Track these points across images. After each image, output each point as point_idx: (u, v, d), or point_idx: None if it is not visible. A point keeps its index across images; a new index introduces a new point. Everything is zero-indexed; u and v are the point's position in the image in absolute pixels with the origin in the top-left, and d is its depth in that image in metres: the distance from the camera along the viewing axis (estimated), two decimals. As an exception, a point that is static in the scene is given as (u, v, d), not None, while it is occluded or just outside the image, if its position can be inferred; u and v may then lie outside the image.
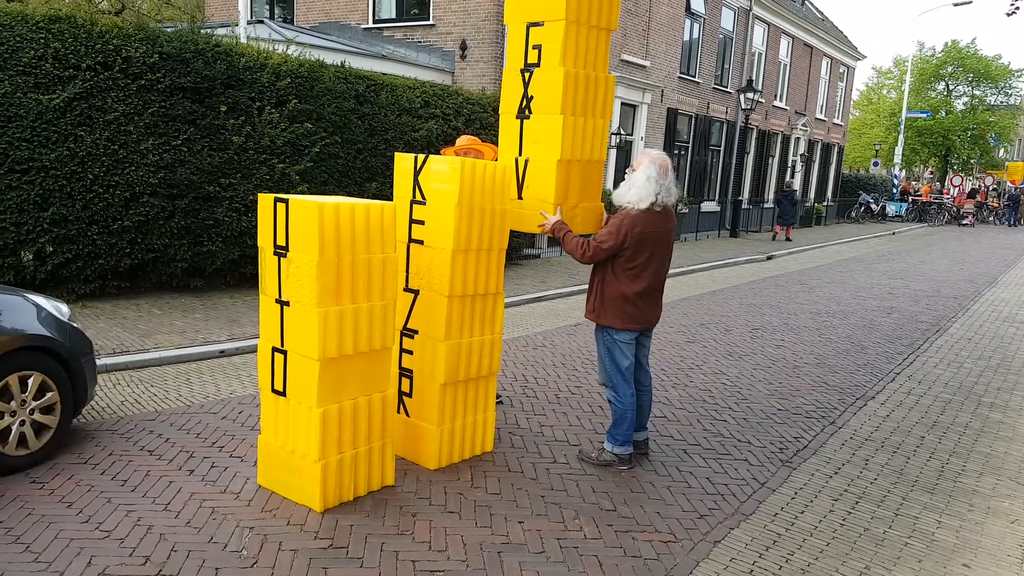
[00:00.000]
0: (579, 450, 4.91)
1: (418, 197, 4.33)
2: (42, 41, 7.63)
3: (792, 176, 28.03)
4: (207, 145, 8.67)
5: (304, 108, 9.42)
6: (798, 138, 28.29)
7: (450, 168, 4.17)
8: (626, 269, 4.44)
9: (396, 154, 4.52)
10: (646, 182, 4.34)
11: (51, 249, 7.78)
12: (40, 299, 4.57)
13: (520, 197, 4.66)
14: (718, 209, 23.16)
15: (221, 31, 10.13)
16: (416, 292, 4.40)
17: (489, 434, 4.82)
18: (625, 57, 17.56)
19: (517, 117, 4.65)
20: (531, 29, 4.52)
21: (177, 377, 6.16)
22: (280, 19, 17.08)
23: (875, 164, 41.87)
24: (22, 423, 4.22)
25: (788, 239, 22.02)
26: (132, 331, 7.08)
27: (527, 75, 4.56)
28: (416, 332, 4.44)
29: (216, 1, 18.91)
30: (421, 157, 4.32)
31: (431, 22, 14.64)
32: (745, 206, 24.19)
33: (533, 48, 4.52)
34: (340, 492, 3.97)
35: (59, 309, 4.63)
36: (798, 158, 28.39)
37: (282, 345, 3.92)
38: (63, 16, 7.91)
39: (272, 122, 9.11)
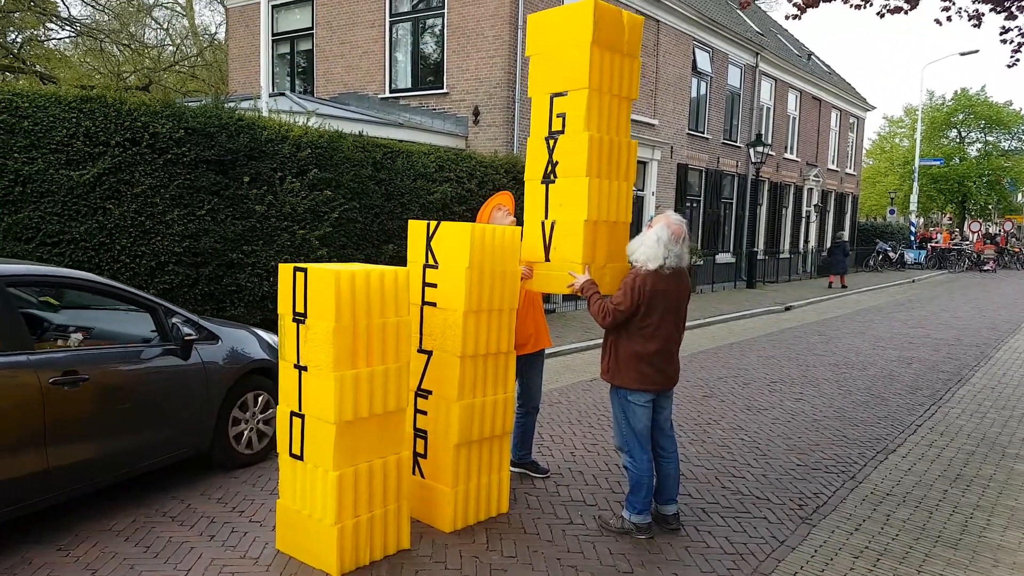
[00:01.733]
0: (598, 515, 4.85)
1: (431, 261, 4.47)
2: (74, 120, 7.97)
3: (808, 226, 28.20)
4: (230, 214, 8.94)
5: (324, 176, 9.71)
6: (811, 189, 28.47)
7: (460, 233, 4.31)
8: (639, 328, 4.44)
9: (410, 221, 4.67)
10: (655, 243, 4.38)
11: (78, 318, 7.99)
12: (262, 332, 5.97)
13: (548, 259, 4.76)
14: (733, 260, 23.25)
15: (245, 104, 10.54)
16: (430, 353, 4.50)
17: (504, 495, 4.84)
18: (633, 116, 17.91)
19: (542, 182, 4.77)
20: (555, 99, 4.69)
21: (199, 443, 6.24)
22: (301, 91, 17.66)
23: (891, 212, 41.88)
24: (251, 430, 5.64)
25: (844, 286, 23.36)
26: (155, 398, 7.20)
27: (552, 142, 4.70)
28: (430, 392, 4.52)
29: (239, 75, 19.60)
30: (433, 224, 4.47)
31: (445, 90, 15.09)
32: (760, 257, 24.26)
33: (557, 116, 4.67)
34: (356, 556, 4.01)
35: (274, 340, 5.84)
36: (812, 208, 28.53)
37: (300, 409, 4.02)
38: (94, 96, 8.27)
39: (293, 191, 9.39)
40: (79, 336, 4.82)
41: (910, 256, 34.81)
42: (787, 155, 26.51)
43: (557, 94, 4.66)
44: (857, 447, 6.57)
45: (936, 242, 38.56)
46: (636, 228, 17.60)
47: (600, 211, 4.59)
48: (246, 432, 5.61)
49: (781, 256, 26.18)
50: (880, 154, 55.34)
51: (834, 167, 30.73)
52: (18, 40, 28.04)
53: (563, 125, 4.62)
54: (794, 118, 27.02)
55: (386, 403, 4.03)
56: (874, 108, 33.87)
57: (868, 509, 5.14)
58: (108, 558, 4.12)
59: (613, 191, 4.67)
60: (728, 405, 7.98)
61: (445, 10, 15.10)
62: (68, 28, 27.93)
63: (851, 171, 32.92)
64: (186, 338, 5.00)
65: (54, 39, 29.67)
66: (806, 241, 28.57)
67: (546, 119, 4.72)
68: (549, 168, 4.70)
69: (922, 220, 48.81)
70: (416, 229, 4.57)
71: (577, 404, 7.76)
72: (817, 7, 8.97)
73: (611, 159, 4.66)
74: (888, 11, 8.92)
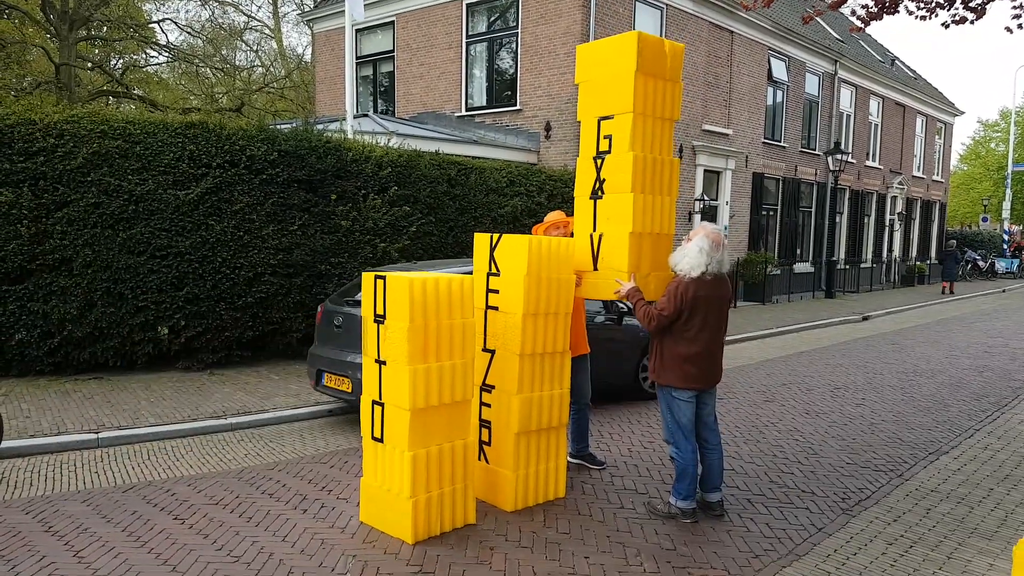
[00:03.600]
0: (647, 501, 5.26)
1: (493, 270, 5.02)
2: (180, 144, 8.91)
3: (891, 235, 27.60)
4: (319, 229, 9.76)
5: (403, 193, 10.45)
6: (895, 197, 27.83)
7: (519, 244, 4.85)
8: (683, 331, 4.83)
9: (476, 234, 5.24)
10: (698, 253, 4.77)
11: (184, 324, 8.90)
12: None
13: (596, 268, 5.23)
14: (812, 270, 23.01)
15: (332, 126, 11.40)
16: (493, 352, 5.04)
17: (561, 481, 5.33)
18: (707, 127, 18.13)
19: (591, 198, 5.25)
20: (602, 122, 5.16)
21: (292, 433, 6.97)
22: (383, 110, 18.62)
23: (984, 220, 40.23)
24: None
25: (952, 292, 24.77)
26: (253, 394, 8.01)
27: (599, 161, 5.18)
28: (493, 387, 5.06)
29: (325, 96, 20.76)
30: (496, 236, 5.03)
31: (518, 107, 15.73)
32: (841, 266, 23.91)
33: (604, 138, 5.14)
34: (429, 527, 4.57)
35: None
36: (895, 217, 27.87)
37: (380, 398, 4.62)
38: (197, 122, 9.22)
39: (375, 207, 10.15)
40: None
41: (1001, 265, 33.43)
42: (869, 162, 26.04)
43: (604, 117, 5.13)
44: (909, 448, 6.76)
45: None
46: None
47: (645, 224, 5.04)
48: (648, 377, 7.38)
49: (863, 266, 25.70)
50: (975, 159, 53.16)
51: (920, 174, 29.92)
52: (119, 66, 30.33)
53: (610, 146, 5.09)
54: (876, 125, 26.52)
55: (453, 394, 4.58)
56: (963, 113, 32.78)
57: (910, 504, 5.38)
58: (216, 526, 4.80)
59: (657, 205, 5.11)
60: (787, 409, 8.22)
61: (519, 30, 15.75)
62: (165, 53, 30.02)
63: (938, 178, 31.93)
64: (621, 312, 8.06)
65: (153, 64, 31.95)
66: (890, 250, 27.93)
67: (594, 140, 5.20)
68: (597, 185, 5.17)
69: (1019, 228, 46.55)
70: (481, 241, 5.13)
71: (638, 406, 8.16)
72: (881, 20, 9.17)
73: (655, 176, 5.10)
74: (954, 22, 9.03)
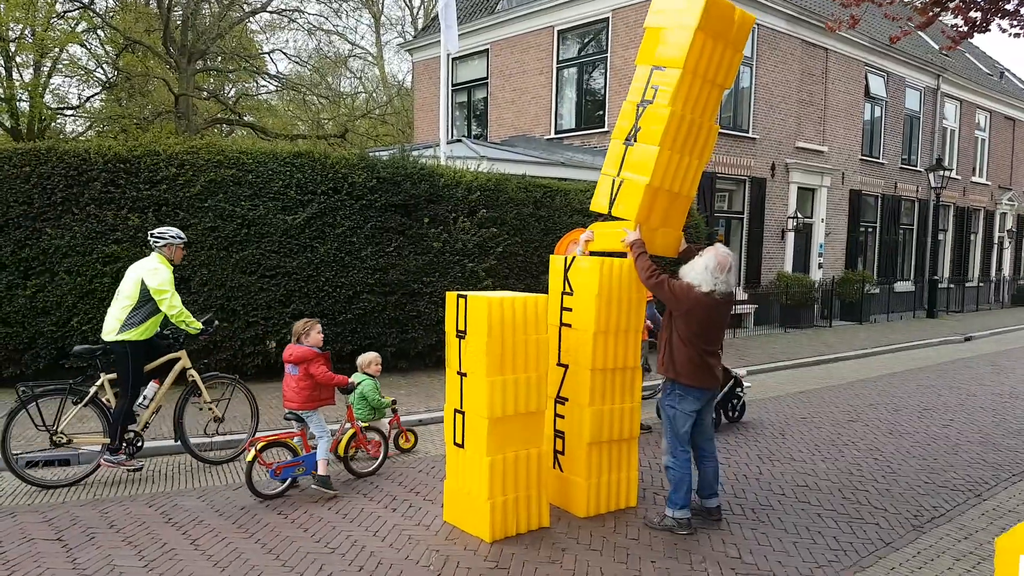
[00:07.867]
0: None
1: (567, 289, 5.38)
2: (287, 173, 9.69)
3: (1000, 253, 26.31)
4: (413, 251, 10.37)
5: (491, 216, 10.96)
6: (1004, 213, 26.52)
7: (591, 266, 5.20)
8: (686, 332, 5.04)
9: (551, 256, 5.62)
10: (704, 270, 4.99)
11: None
12: None
13: (610, 212, 5.41)
14: (913, 289, 22.25)
15: (428, 152, 12.05)
16: (567, 366, 5.39)
17: (633, 491, 5.61)
18: (800, 144, 17.96)
19: (624, 143, 5.38)
20: (654, 72, 5.26)
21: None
22: (476, 134, 19.34)
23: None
24: None
25: None
26: (351, 404, 8.60)
27: (641, 109, 5.29)
28: (567, 400, 5.40)
29: (424, 122, 21.69)
30: (569, 258, 5.40)
31: (606, 129, 16.07)
32: (945, 285, 22.99)
33: (651, 88, 5.25)
34: (505, 527, 4.95)
35: None
36: (1005, 234, 26.55)
37: (461, 407, 5.04)
38: (303, 152, 10.00)
39: (464, 229, 10.70)
40: None
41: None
42: (975, 178, 24.98)
43: (656, 68, 5.24)
44: (992, 470, 6.67)
45: None
46: (764, 235, 17.10)
47: (664, 180, 5.22)
48: None
49: (968, 284, 24.59)
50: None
51: (1034, 188, 28.40)
52: (232, 95, 32.42)
53: (654, 96, 5.20)
54: (983, 140, 25.42)
55: (528, 404, 4.96)
56: (1084, 123, 30.86)
57: (984, 522, 5.38)
58: (315, 521, 5.33)
59: (682, 165, 5.28)
60: (871, 429, 8.18)
61: (608, 54, 16.14)
62: (275, 82, 31.92)
63: (1056, 192, 30.17)
64: None
65: (263, 92, 33.98)
66: (999, 269, 26.60)
67: (643, 88, 5.30)
68: (632, 132, 5.31)
69: None
70: (556, 263, 5.51)
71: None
72: (972, 38, 9.09)
73: (688, 137, 5.25)
74: (1048, 37, 8.84)
